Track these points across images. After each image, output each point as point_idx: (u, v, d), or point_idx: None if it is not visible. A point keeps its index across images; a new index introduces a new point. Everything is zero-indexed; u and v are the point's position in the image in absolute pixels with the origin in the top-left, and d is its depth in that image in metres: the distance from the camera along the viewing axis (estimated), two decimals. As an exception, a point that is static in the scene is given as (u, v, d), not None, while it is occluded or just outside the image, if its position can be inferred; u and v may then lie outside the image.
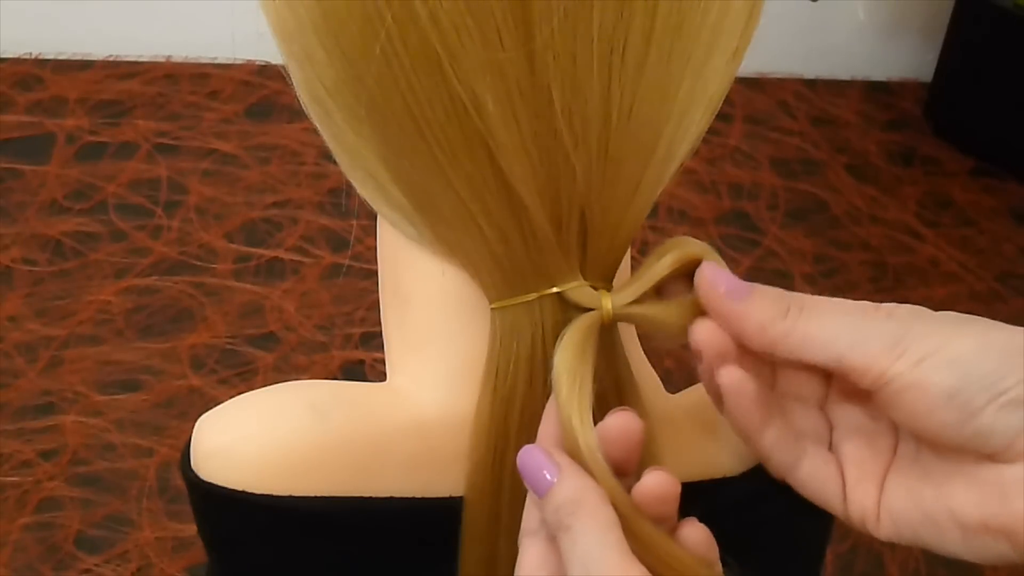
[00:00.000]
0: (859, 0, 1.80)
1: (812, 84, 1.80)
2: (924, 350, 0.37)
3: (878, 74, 1.85)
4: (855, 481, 0.42)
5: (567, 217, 0.39)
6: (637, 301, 0.39)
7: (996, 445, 0.37)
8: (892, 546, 1.15)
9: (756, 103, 1.74)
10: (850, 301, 0.39)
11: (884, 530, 0.41)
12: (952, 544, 0.40)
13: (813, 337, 0.38)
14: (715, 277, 0.39)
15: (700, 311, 0.40)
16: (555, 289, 0.40)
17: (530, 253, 0.39)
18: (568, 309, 0.40)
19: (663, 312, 0.40)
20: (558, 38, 0.35)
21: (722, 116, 0.42)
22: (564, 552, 0.36)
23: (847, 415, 0.42)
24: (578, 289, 0.39)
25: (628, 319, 0.40)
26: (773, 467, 0.42)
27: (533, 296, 0.40)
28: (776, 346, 0.39)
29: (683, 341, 0.41)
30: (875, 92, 1.82)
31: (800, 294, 0.39)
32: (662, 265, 0.39)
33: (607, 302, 0.39)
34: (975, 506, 0.39)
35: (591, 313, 0.39)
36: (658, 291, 0.41)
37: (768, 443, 0.41)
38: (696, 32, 0.37)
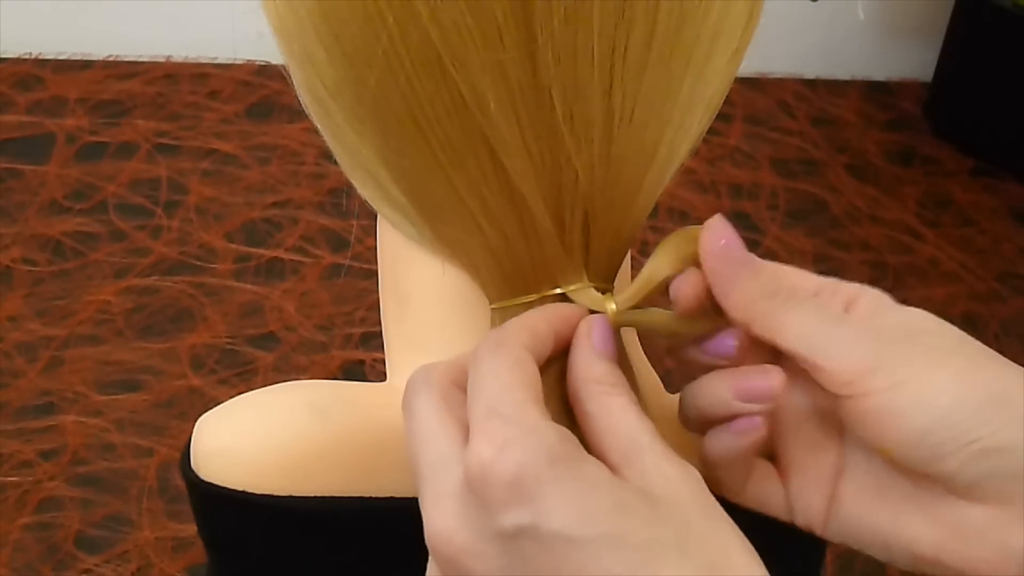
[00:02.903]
0: (859, 0, 1.79)
1: (812, 84, 1.80)
2: (899, 376, 0.37)
3: (878, 74, 1.85)
4: (797, 490, 0.41)
5: (570, 217, 0.39)
6: (640, 304, 0.39)
7: (960, 485, 0.37)
8: (892, 546, 1.15)
9: (756, 103, 1.74)
10: (838, 313, 0.39)
11: (831, 536, 0.41)
12: (900, 563, 0.40)
13: (789, 325, 0.38)
14: (719, 236, 0.38)
15: (704, 313, 0.39)
16: (558, 290, 0.39)
17: (532, 253, 0.39)
18: None
19: (665, 316, 0.39)
20: (559, 38, 0.35)
21: (722, 116, 0.42)
22: None
23: (794, 420, 0.41)
24: (582, 291, 0.39)
25: (630, 323, 0.40)
26: (724, 488, 0.42)
27: (534, 297, 0.40)
28: (753, 323, 0.38)
29: (687, 343, 0.41)
30: (875, 92, 1.82)
31: (795, 286, 0.39)
32: (661, 266, 0.39)
33: (611, 305, 0.39)
34: (932, 543, 0.38)
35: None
36: (665, 289, 0.40)
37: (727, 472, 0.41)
38: (697, 32, 0.37)
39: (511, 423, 0.33)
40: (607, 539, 0.31)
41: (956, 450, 0.36)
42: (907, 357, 0.37)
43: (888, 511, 0.39)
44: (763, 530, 0.39)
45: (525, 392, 0.34)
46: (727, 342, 0.39)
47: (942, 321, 0.39)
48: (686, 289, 0.38)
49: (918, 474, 0.38)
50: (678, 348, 0.41)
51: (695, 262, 0.39)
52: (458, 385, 0.36)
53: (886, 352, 0.37)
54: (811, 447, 0.41)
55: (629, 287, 0.39)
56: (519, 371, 0.35)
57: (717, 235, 0.39)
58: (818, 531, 0.41)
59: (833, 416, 0.40)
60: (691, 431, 0.41)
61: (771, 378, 0.38)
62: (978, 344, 0.39)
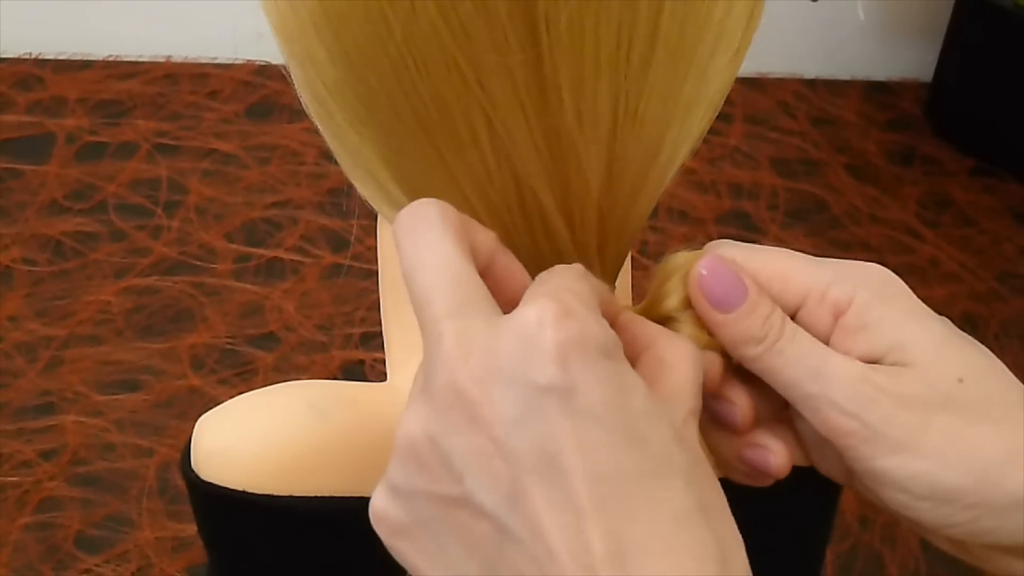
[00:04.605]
0: (859, 0, 1.79)
1: (812, 84, 1.80)
2: (887, 444, 0.36)
3: (878, 74, 1.85)
4: (817, 462, 0.41)
5: (580, 217, 0.38)
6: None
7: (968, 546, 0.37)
8: (892, 546, 1.15)
9: (756, 103, 1.74)
10: (836, 355, 0.38)
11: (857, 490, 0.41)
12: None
13: (776, 373, 0.38)
14: (707, 282, 0.38)
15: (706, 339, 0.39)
16: None
17: (540, 254, 0.39)
18: None
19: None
20: (565, 38, 0.35)
21: (722, 116, 0.42)
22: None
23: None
24: None
25: None
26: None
27: None
28: (743, 364, 0.39)
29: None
30: (875, 92, 1.82)
31: (790, 323, 0.38)
32: (667, 299, 0.39)
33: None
34: (950, 547, 0.39)
35: None
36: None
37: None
38: (700, 32, 0.37)
39: (582, 304, 0.32)
40: (629, 435, 0.30)
41: (967, 536, 0.36)
42: (894, 419, 0.36)
43: (907, 519, 0.39)
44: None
45: (595, 301, 0.33)
46: (735, 414, 0.39)
47: (940, 342, 0.38)
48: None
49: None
50: None
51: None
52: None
53: (872, 411, 0.36)
54: (820, 439, 0.41)
55: (636, 307, 0.40)
56: (590, 283, 0.34)
57: (702, 291, 0.38)
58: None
59: None
60: None
61: (775, 458, 0.39)
62: (985, 374, 0.37)
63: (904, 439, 0.36)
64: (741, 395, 0.39)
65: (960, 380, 0.37)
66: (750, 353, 0.38)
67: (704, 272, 0.38)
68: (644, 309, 0.40)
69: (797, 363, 0.37)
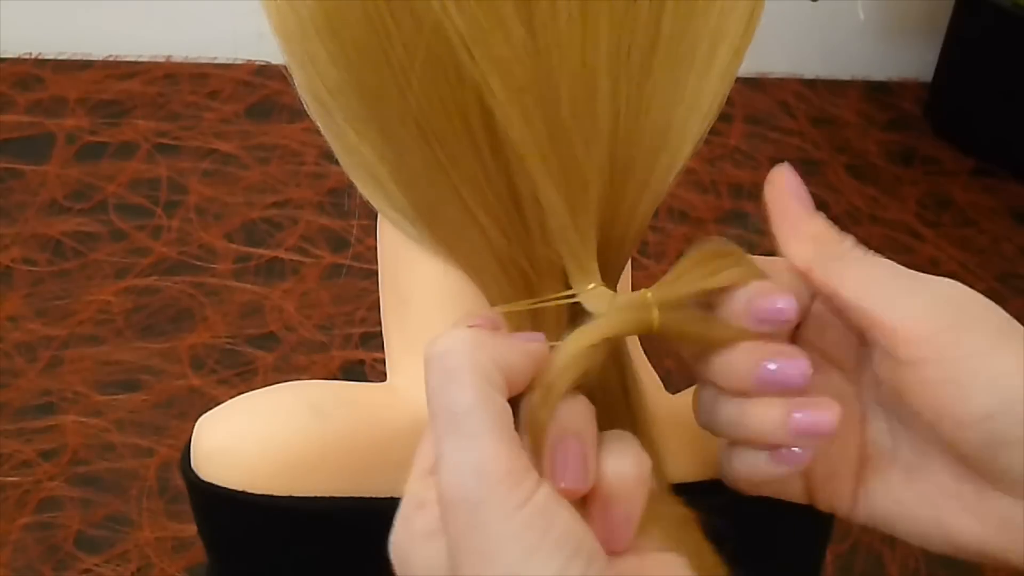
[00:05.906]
0: (859, 0, 1.79)
1: (812, 84, 1.80)
2: (967, 347, 0.35)
3: (878, 74, 1.85)
4: (823, 479, 0.41)
5: (583, 219, 0.38)
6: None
7: (1009, 480, 0.36)
8: (892, 546, 1.15)
9: (756, 103, 1.74)
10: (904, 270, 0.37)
11: (859, 521, 0.40)
12: (936, 550, 0.39)
13: (855, 274, 0.37)
14: (789, 178, 0.39)
15: (734, 331, 0.38)
16: (569, 292, 0.39)
17: (539, 256, 0.39)
18: (574, 311, 0.39)
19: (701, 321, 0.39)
20: (565, 38, 0.35)
21: (722, 116, 0.42)
22: None
23: None
24: (596, 292, 0.39)
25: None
26: (739, 484, 0.41)
27: (539, 299, 0.39)
28: (814, 270, 0.37)
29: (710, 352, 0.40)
30: (875, 92, 1.82)
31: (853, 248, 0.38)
32: (693, 283, 0.39)
33: (654, 310, 0.38)
34: (976, 537, 0.37)
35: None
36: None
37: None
38: (700, 32, 0.37)
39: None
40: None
41: (1015, 441, 0.35)
42: (975, 329, 0.35)
43: (925, 506, 0.38)
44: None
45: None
46: (801, 368, 0.36)
47: (978, 294, 0.37)
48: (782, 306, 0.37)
49: (960, 464, 0.37)
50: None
51: (729, 280, 0.38)
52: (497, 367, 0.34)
53: (960, 319, 0.35)
54: (826, 473, 0.40)
55: (659, 290, 0.39)
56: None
57: (787, 177, 0.38)
58: (842, 515, 0.41)
59: (852, 400, 0.39)
60: (715, 435, 0.41)
61: (833, 413, 0.36)
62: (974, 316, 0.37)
63: (992, 343, 0.35)
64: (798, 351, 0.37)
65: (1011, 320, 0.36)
66: (828, 252, 0.37)
67: (782, 172, 0.40)
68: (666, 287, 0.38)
69: (882, 265, 0.37)
